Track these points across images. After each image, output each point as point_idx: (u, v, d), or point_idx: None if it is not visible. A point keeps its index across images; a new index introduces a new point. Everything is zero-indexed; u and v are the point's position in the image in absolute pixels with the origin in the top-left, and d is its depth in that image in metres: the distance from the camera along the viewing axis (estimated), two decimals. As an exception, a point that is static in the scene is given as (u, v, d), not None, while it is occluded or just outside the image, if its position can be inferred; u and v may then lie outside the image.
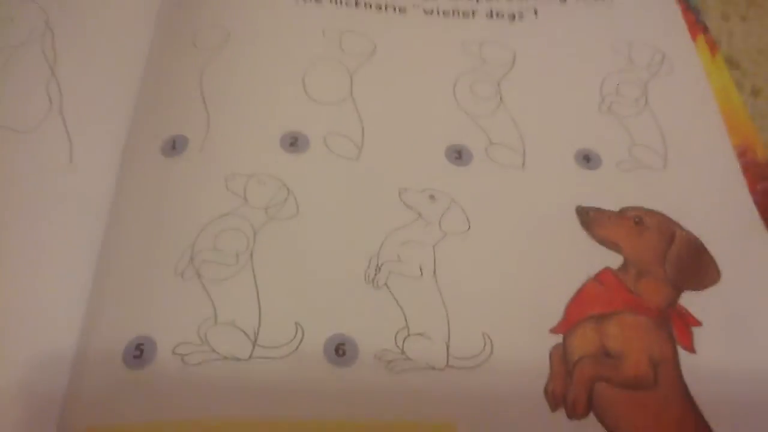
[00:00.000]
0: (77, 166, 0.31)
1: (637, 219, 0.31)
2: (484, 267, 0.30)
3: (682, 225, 0.31)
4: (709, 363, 0.28)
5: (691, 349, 0.28)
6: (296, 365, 0.27)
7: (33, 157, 0.31)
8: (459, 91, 0.35)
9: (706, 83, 0.37)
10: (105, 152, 0.32)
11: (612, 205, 0.32)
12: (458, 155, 0.33)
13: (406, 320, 0.28)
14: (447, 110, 0.35)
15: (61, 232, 0.30)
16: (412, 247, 0.30)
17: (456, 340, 0.28)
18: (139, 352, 0.27)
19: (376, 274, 0.29)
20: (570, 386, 0.27)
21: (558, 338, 0.28)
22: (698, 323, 0.29)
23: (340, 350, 0.27)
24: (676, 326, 0.29)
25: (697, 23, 0.39)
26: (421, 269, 0.29)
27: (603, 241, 0.31)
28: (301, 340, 0.27)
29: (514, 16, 0.39)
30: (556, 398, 0.27)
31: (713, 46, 0.38)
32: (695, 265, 0.30)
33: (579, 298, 0.29)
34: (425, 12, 0.38)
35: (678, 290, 0.30)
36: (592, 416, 0.27)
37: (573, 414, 0.27)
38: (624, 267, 0.30)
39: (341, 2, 0.38)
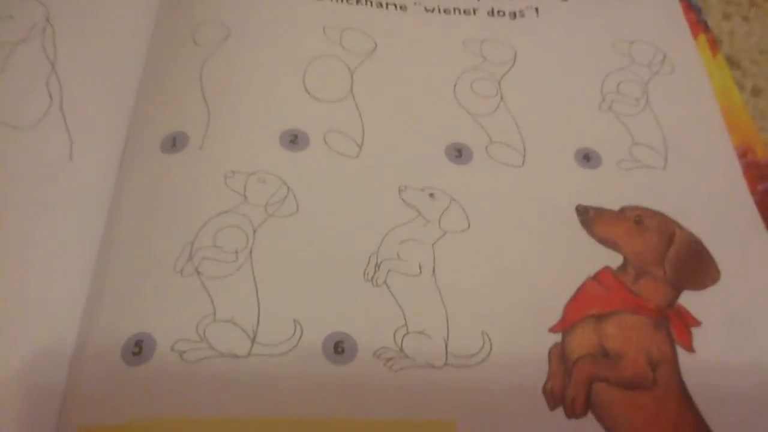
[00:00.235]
0: (77, 163, 0.31)
1: (636, 218, 0.31)
2: (484, 266, 0.30)
3: (682, 225, 0.31)
4: (709, 363, 0.28)
5: (690, 349, 0.28)
6: (295, 363, 0.27)
7: (33, 153, 0.31)
8: (459, 89, 0.35)
9: (707, 83, 0.37)
10: (105, 149, 0.32)
11: (612, 204, 0.32)
12: (458, 153, 0.33)
13: (405, 318, 0.28)
14: (447, 108, 0.35)
15: (61, 228, 0.30)
16: (411, 245, 0.30)
17: (455, 339, 0.28)
18: (138, 349, 0.27)
19: (375, 272, 0.29)
20: (568, 385, 0.27)
21: (557, 337, 0.28)
22: (697, 323, 0.29)
23: (339, 348, 0.27)
24: (675, 326, 0.29)
25: (698, 22, 0.39)
26: (420, 267, 0.29)
27: (602, 241, 0.31)
28: (300, 338, 0.27)
29: (515, 14, 0.39)
30: (554, 397, 0.27)
31: (714, 45, 0.38)
32: (695, 265, 0.30)
33: (578, 297, 0.29)
34: (426, 10, 0.38)
35: (677, 290, 0.30)
36: (590, 415, 0.27)
37: (571, 413, 0.27)
38: (623, 266, 0.30)
39: (342, -1, 0.38)
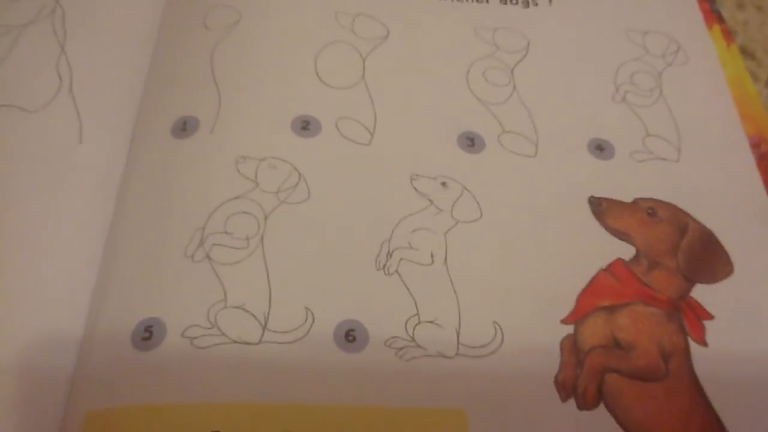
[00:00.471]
0: (87, 146, 0.31)
1: (650, 210, 0.31)
2: (496, 256, 0.30)
3: (695, 217, 0.31)
4: (721, 355, 0.28)
5: (702, 343, 0.28)
6: (306, 350, 0.27)
7: (42, 136, 0.31)
8: (472, 77, 0.35)
9: (721, 73, 0.36)
10: (115, 132, 0.32)
11: (625, 195, 0.32)
12: (471, 142, 0.33)
13: (416, 308, 0.28)
14: (460, 97, 0.34)
15: (70, 212, 0.29)
16: (423, 234, 0.30)
17: (466, 329, 0.28)
18: (148, 334, 0.27)
19: (387, 261, 0.29)
20: (580, 376, 0.27)
21: (569, 328, 0.28)
22: (710, 316, 0.29)
23: (350, 336, 0.27)
24: (688, 319, 0.29)
25: (712, 12, 0.39)
26: (432, 257, 0.29)
27: (615, 232, 0.31)
28: (312, 325, 0.27)
29: (528, 3, 0.38)
30: (566, 388, 0.27)
31: (728, 35, 0.38)
32: (708, 258, 0.30)
33: (590, 288, 0.29)
34: (439, -4, 0.38)
35: (690, 282, 0.30)
36: (602, 407, 0.27)
37: (583, 404, 0.27)
38: (636, 258, 0.30)
39: (354, -15, 0.38)
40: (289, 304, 0.28)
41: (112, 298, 0.28)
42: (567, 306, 0.29)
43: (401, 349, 0.27)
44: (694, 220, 0.31)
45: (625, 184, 0.32)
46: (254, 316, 0.27)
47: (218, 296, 0.28)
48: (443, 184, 0.31)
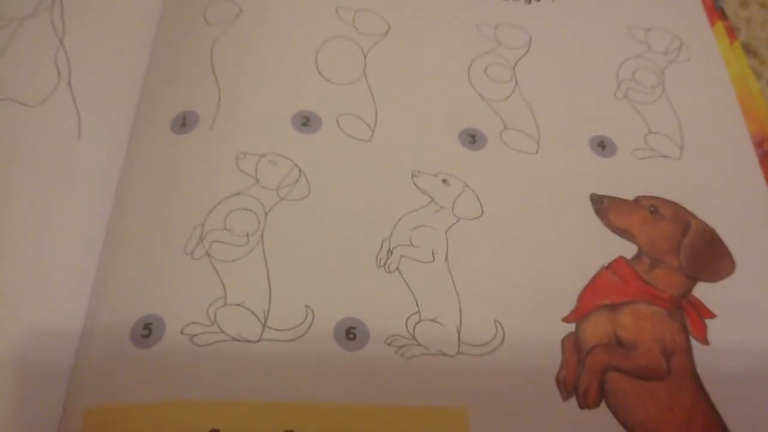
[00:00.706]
0: (86, 141, 0.31)
1: (651, 208, 0.31)
2: (497, 253, 0.30)
3: (697, 215, 0.31)
4: (723, 354, 0.28)
5: (704, 341, 0.28)
6: (306, 348, 0.27)
7: (41, 130, 0.31)
8: (474, 73, 0.35)
9: (724, 70, 0.36)
10: (114, 127, 0.32)
11: (626, 193, 0.32)
12: (472, 139, 0.33)
13: (417, 305, 0.28)
14: (461, 93, 0.34)
15: (69, 207, 0.29)
16: (424, 231, 0.30)
17: (468, 327, 0.28)
18: (147, 331, 0.27)
19: (388, 258, 0.29)
20: (582, 375, 0.27)
21: (570, 327, 0.28)
22: (712, 315, 0.29)
23: (351, 334, 0.27)
24: (690, 317, 0.28)
25: (715, 9, 0.39)
26: (433, 254, 0.29)
27: (617, 230, 0.31)
28: (312, 323, 0.27)
29: (530, -1, 0.38)
30: (567, 387, 0.27)
31: (731, 32, 0.38)
32: (710, 256, 0.30)
33: (592, 286, 0.29)
34: (440, -9, 0.38)
35: (692, 280, 0.29)
36: (603, 406, 0.26)
37: (584, 403, 0.26)
38: (638, 256, 0.30)
39: (355, -20, 0.37)
40: (289, 302, 0.28)
41: (111, 294, 0.28)
42: (568, 304, 0.29)
43: (402, 347, 0.27)
44: (696, 218, 0.31)
45: (627, 181, 0.32)
46: (254, 313, 0.27)
47: (218, 293, 0.27)
48: (444, 181, 0.31)
